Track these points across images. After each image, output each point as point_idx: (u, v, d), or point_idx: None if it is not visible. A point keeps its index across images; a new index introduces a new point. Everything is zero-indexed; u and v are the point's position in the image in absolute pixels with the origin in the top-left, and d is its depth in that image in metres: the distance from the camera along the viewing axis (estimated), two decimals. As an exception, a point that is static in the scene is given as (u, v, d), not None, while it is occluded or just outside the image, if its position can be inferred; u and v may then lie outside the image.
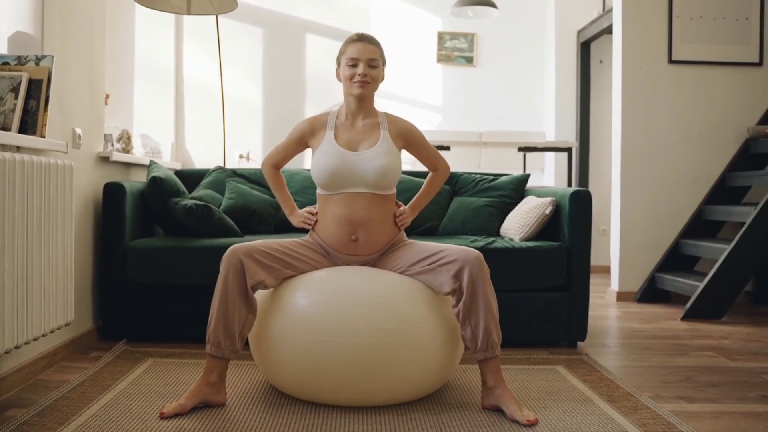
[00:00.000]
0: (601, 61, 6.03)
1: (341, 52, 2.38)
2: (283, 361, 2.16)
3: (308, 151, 4.67)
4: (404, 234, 2.46)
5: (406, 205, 2.54)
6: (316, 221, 2.39)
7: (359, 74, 2.30)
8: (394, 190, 2.40)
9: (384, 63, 2.40)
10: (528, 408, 2.17)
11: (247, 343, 2.32)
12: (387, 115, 2.44)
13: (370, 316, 2.09)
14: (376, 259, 2.37)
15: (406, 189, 3.35)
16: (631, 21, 4.48)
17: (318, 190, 2.39)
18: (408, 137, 2.44)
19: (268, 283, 2.20)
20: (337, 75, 2.41)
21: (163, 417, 2.04)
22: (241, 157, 4.72)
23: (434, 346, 2.17)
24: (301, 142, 2.45)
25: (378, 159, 2.30)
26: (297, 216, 2.47)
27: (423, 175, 3.70)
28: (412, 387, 2.18)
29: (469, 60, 6.30)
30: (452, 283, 2.15)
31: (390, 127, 2.40)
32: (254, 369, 2.59)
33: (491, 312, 2.14)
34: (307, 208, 2.46)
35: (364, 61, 2.31)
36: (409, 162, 5.98)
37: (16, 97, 2.33)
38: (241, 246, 2.18)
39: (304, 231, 3.15)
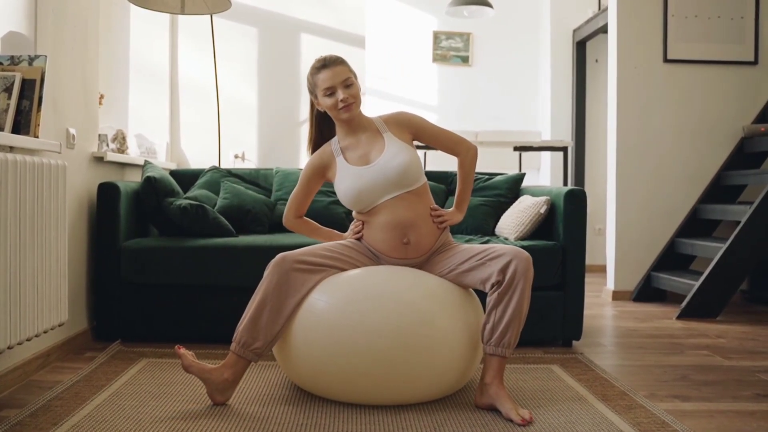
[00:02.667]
0: (596, 61, 6.03)
1: (312, 84, 2.35)
2: (305, 359, 2.16)
3: (299, 149, 4.64)
4: (450, 235, 2.44)
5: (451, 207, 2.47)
6: (362, 227, 2.37)
7: (341, 100, 2.28)
8: (424, 180, 2.36)
9: (356, 75, 2.37)
10: (523, 407, 2.17)
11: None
12: (381, 117, 2.43)
13: (391, 316, 2.09)
14: (424, 262, 2.35)
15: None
16: (627, 20, 4.49)
17: (355, 214, 2.39)
18: (408, 125, 2.41)
19: (316, 286, 2.20)
20: (318, 106, 2.38)
21: (177, 349, 2.13)
22: (236, 157, 4.71)
23: (455, 348, 2.16)
24: (317, 176, 2.42)
25: (393, 160, 2.29)
26: (345, 236, 2.46)
27: (429, 175, 3.69)
28: (430, 388, 2.18)
29: (465, 59, 6.30)
30: (497, 275, 2.14)
31: (389, 127, 2.39)
32: (258, 369, 2.58)
33: (519, 313, 2.13)
34: (351, 226, 2.43)
35: (340, 86, 2.29)
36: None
37: (9, 97, 2.33)
38: (290, 256, 2.18)
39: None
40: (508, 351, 2.14)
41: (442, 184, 3.66)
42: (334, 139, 2.42)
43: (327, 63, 2.32)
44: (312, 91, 2.37)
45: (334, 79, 2.28)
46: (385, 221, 2.29)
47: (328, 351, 2.10)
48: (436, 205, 2.39)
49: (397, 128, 2.39)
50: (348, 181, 2.31)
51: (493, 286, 2.16)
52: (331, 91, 2.29)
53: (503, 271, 2.14)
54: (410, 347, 2.08)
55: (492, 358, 2.15)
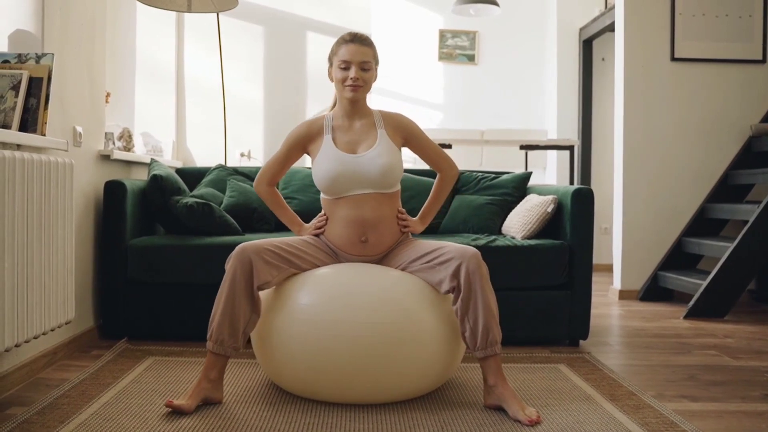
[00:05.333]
0: (603, 59, 6.01)
1: (333, 52, 2.35)
2: (286, 359, 2.16)
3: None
4: (408, 234, 2.45)
5: (418, 209, 2.50)
6: (325, 224, 2.36)
7: (351, 78, 2.27)
8: (399, 187, 2.38)
9: (377, 63, 2.37)
10: (530, 407, 2.15)
11: (248, 341, 2.31)
12: (381, 112, 2.42)
13: (372, 313, 2.09)
14: (382, 258, 2.36)
15: (408, 187, 3.33)
16: (633, 18, 4.47)
17: (322, 195, 2.38)
18: (404, 131, 2.41)
19: (273, 283, 2.19)
20: (329, 75, 2.38)
21: (168, 405, 2.04)
22: (242, 155, 4.71)
23: (437, 342, 2.17)
24: (298, 147, 2.41)
25: (379, 159, 2.28)
26: (306, 229, 2.45)
27: (426, 173, 3.70)
28: (415, 384, 2.18)
29: (471, 58, 6.29)
30: (450, 281, 2.14)
31: (386, 125, 2.38)
32: (253, 367, 2.58)
33: (490, 310, 2.12)
34: (314, 220, 2.43)
35: (356, 65, 2.28)
36: (410, 160, 5.97)
37: (17, 95, 2.33)
38: (250, 245, 2.17)
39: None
40: (498, 347, 2.14)
41: (449, 182, 3.64)
42: (329, 115, 2.40)
43: (355, 39, 2.31)
44: (330, 59, 2.37)
45: (354, 57, 2.28)
46: (347, 216, 2.29)
47: (311, 351, 2.09)
48: (403, 209, 2.41)
49: (392, 129, 2.38)
50: (329, 163, 2.29)
51: (448, 291, 2.16)
52: (346, 66, 2.29)
53: (455, 276, 2.13)
54: (392, 343, 2.08)
55: (486, 360, 2.14)
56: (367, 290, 2.14)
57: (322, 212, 2.40)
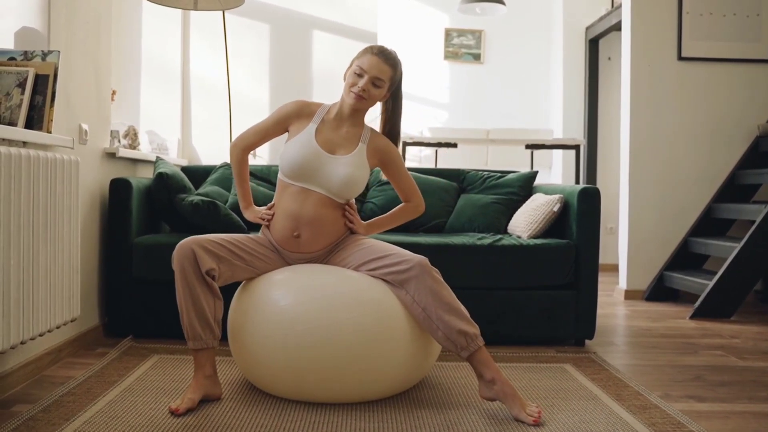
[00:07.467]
0: (609, 58, 5.99)
1: (357, 56, 2.35)
2: (264, 361, 2.16)
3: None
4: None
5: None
6: (272, 218, 2.37)
7: (359, 87, 2.27)
8: (351, 201, 2.39)
9: (393, 85, 2.35)
10: (530, 402, 2.14)
11: (225, 338, 2.32)
12: (372, 130, 2.42)
13: (348, 314, 2.09)
14: (325, 257, 2.36)
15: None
16: (640, 18, 4.45)
17: (280, 175, 2.37)
18: (384, 155, 2.41)
19: (219, 273, 2.18)
20: (345, 74, 2.39)
21: (177, 414, 2.03)
22: (247, 153, 4.71)
23: (412, 340, 2.17)
24: (283, 123, 2.41)
25: (346, 168, 2.29)
26: (253, 211, 2.45)
27: (437, 172, 3.69)
28: (392, 382, 2.19)
29: (477, 57, 6.28)
30: (398, 290, 2.16)
31: (369, 143, 2.38)
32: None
33: (454, 310, 2.12)
34: (264, 207, 2.43)
35: (370, 77, 2.28)
36: (415, 159, 5.96)
37: (23, 93, 2.33)
38: (188, 239, 2.18)
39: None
40: (479, 340, 2.12)
41: (454, 181, 3.64)
42: (325, 106, 2.42)
43: (381, 54, 2.30)
44: (352, 61, 2.36)
45: (371, 69, 2.28)
46: (288, 208, 2.29)
47: (288, 352, 2.09)
48: (355, 205, 2.41)
49: (373, 149, 2.39)
50: (302, 149, 2.29)
51: (400, 298, 2.18)
52: (360, 73, 2.28)
53: (403, 286, 2.15)
54: (368, 342, 2.09)
55: (473, 356, 2.12)
56: (341, 292, 2.14)
57: (272, 202, 2.40)
